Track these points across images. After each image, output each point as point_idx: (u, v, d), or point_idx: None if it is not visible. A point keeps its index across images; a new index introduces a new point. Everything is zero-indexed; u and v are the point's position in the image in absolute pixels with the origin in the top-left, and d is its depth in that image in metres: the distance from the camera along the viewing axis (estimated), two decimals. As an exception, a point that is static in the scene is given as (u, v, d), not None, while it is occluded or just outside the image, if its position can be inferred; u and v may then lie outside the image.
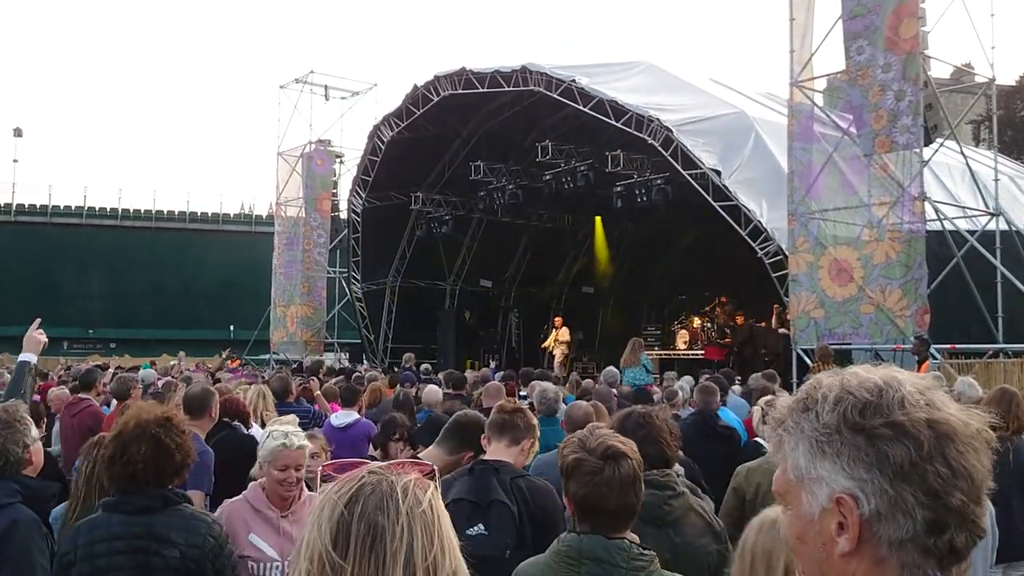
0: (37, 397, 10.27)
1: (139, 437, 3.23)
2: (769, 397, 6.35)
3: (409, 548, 1.24)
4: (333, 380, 13.17)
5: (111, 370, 14.98)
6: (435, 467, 1.43)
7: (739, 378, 13.49)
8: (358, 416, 7.72)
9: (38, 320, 4.62)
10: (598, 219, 26.32)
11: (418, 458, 4.26)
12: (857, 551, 1.18)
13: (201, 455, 5.09)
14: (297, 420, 5.64)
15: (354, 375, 14.05)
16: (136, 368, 16.25)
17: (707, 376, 10.73)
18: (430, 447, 4.09)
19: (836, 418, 1.20)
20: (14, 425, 3.56)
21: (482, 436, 3.89)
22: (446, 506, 1.35)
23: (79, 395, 8.55)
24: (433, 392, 8.63)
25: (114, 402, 8.30)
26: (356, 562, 1.23)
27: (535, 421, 4.00)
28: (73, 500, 3.81)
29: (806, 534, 1.24)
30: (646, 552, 2.61)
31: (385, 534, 1.24)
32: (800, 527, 1.25)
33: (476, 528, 3.43)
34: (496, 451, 3.78)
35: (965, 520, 1.16)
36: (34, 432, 3.67)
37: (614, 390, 9.73)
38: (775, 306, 18.15)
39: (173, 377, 12.36)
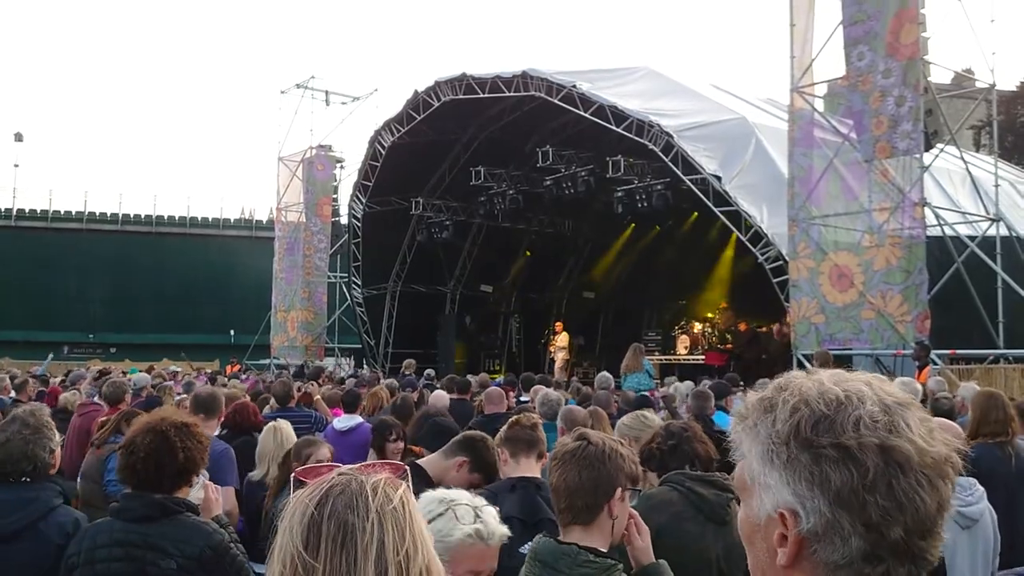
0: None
1: (148, 431, 3.25)
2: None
3: (380, 544, 1.24)
4: (332, 386, 13.21)
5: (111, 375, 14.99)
6: (406, 466, 1.44)
7: (742, 384, 13.49)
8: (360, 420, 7.72)
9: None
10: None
11: (416, 459, 4.27)
12: (795, 566, 1.15)
13: (223, 452, 5.13)
14: (292, 425, 5.65)
15: (356, 379, 14.06)
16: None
17: (707, 383, 10.74)
18: (434, 454, 4.10)
19: (789, 429, 1.15)
20: (41, 430, 3.68)
21: (500, 449, 3.90)
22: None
23: (93, 400, 8.57)
24: (440, 397, 8.63)
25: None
26: (327, 560, 1.23)
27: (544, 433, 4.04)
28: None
29: (754, 537, 1.21)
30: (596, 560, 2.59)
31: (355, 531, 1.24)
32: (749, 529, 1.22)
33: (527, 547, 3.47)
34: (527, 467, 3.80)
35: (905, 554, 1.11)
36: (57, 437, 3.79)
37: (612, 396, 9.74)
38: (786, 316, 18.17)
39: (172, 381, 12.36)
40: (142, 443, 3.21)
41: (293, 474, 1.44)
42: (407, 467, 1.44)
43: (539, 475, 3.79)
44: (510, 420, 4.03)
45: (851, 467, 1.10)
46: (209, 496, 3.51)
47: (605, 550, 2.65)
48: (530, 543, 3.48)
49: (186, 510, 3.24)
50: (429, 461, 3.91)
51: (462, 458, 3.83)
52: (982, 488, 4.20)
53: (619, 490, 2.70)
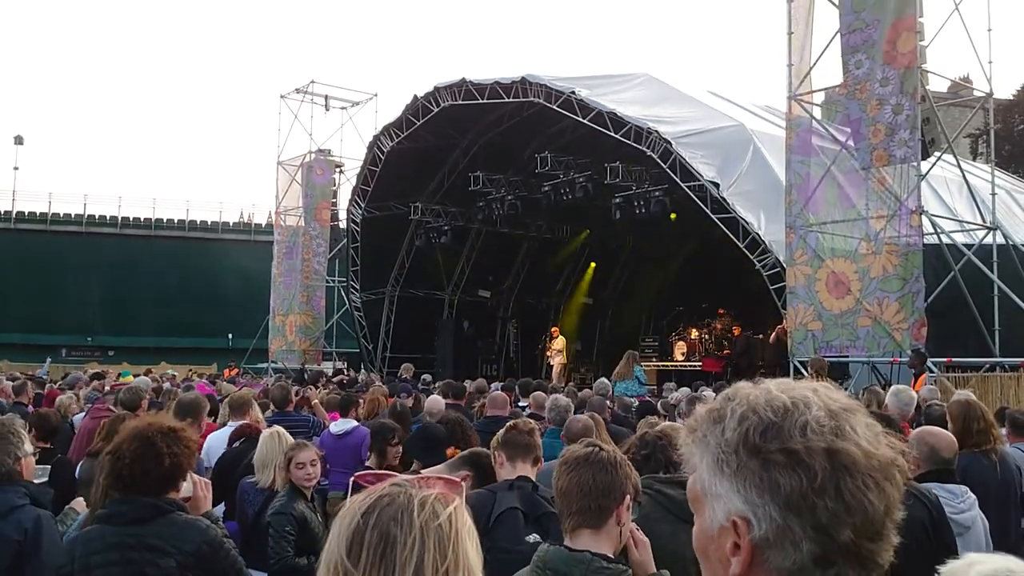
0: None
1: (133, 437, 3.25)
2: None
3: (420, 559, 1.25)
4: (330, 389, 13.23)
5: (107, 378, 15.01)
6: (463, 483, 1.43)
7: (706, 390, 13.51)
8: (356, 424, 7.74)
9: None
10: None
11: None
12: (748, 574, 1.14)
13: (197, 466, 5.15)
14: (290, 429, 5.69)
15: (355, 383, 14.07)
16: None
17: (704, 389, 10.77)
18: (439, 465, 4.12)
19: (737, 437, 1.15)
20: (7, 437, 3.68)
21: (497, 452, 3.94)
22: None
23: (96, 402, 8.60)
24: (436, 402, 8.64)
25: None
26: (366, 569, 1.25)
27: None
28: (92, 510, 3.74)
29: (707, 549, 1.20)
30: (609, 567, 2.62)
31: (396, 544, 1.26)
32: (703, 541, 1.21)
33: (532, 536, 3.52)
34: (523, 471, 3.86)
35: (856, 557, 1.11)
36: (27, 446, 3.76)
37: (608, 401, 9.76)
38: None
39: (174, 386, 12.38)
40: (128, 449, 3.21)
41: (352, 478, 1.45)
42: (463, 483, 1.43)
43: (534, 479, 3.84)
44: (507, 424, 4.06)
45: (799, 471, 1.10)
46: (198, 494, 3.53)
47: (613, 557, 2.68)
48: (534, 535, 3.51)
49: (177, 509, 3.26)
50: (434, 474, 3.93)
51: (466, 472, 3.87)
52: (973, 496, 4.24)
53: (627, 497, 2.75)
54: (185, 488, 3.40)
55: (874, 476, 1.12)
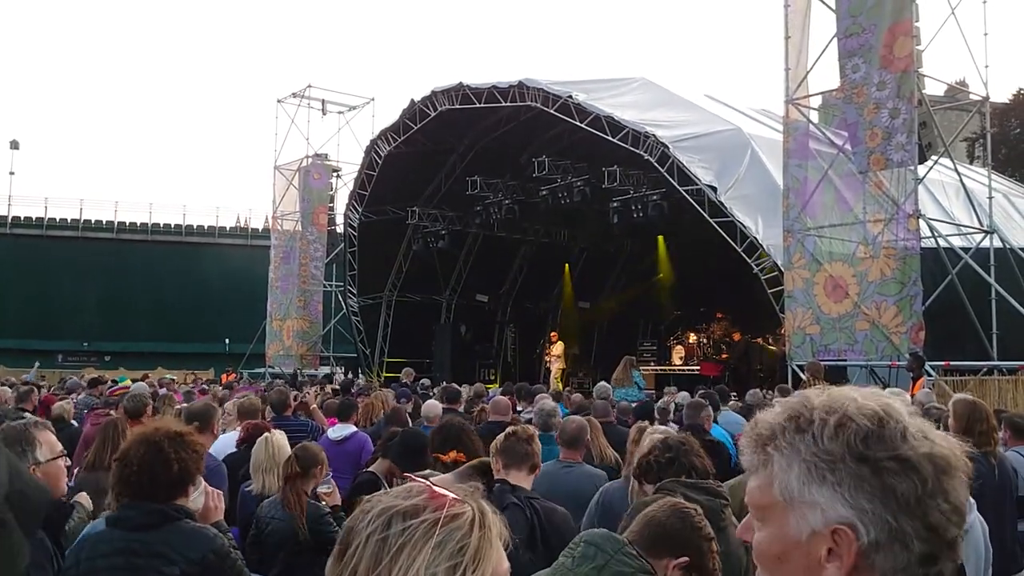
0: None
1: (141, 443, 3.23)
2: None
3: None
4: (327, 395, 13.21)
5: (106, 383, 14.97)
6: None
7: (734, 394, 13.51)
8: (355, 429, 7.72)
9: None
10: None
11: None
12: None
13: (215, 469, 5.13)
14: (288, 434, 5.66)
15: (353, 388, 14.05)
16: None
17: (700, 392, 10.76)
18: (448, 474, 4.10)
19: (840, 446, 1.18)
20: (14, 446, 3.44)
21: (495, 458, 3.95)
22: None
23: (108, 410, 8.55)
24: (432, 407, 8.62)
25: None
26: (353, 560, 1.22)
27: (540, 445, 4.09)
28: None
29: (790, 555, 1.21)
30: (640, 558, 2.68)
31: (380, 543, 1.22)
32: (783, 547, 1.22)
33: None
34: (518, 479, 3.90)
35: (955, 551, 1.18)
36: (41, 452, 3.52)
37: (609, 405, 9.73)
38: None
39: (170, 391, 12.35)
40: (135, 455, 3.19)
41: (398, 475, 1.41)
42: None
43: (529, 487, 3.83)
44: (506, 431, 4.05)
45: (913, 477, 1.16)
46: (209, 504, 3.51)
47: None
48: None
49: (185, 516, 3.23)
50: (523, 480, 3.95)
51: (479, 484, 3.84)
52: (973, 499, 4.23)
53: (685, 559, 2.78)
54: (196, 497, 3.38)
55: (962, 475, 1.19)
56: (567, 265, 27.49)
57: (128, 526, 3.15)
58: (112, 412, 8.39)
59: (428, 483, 1.30)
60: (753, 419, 1.31)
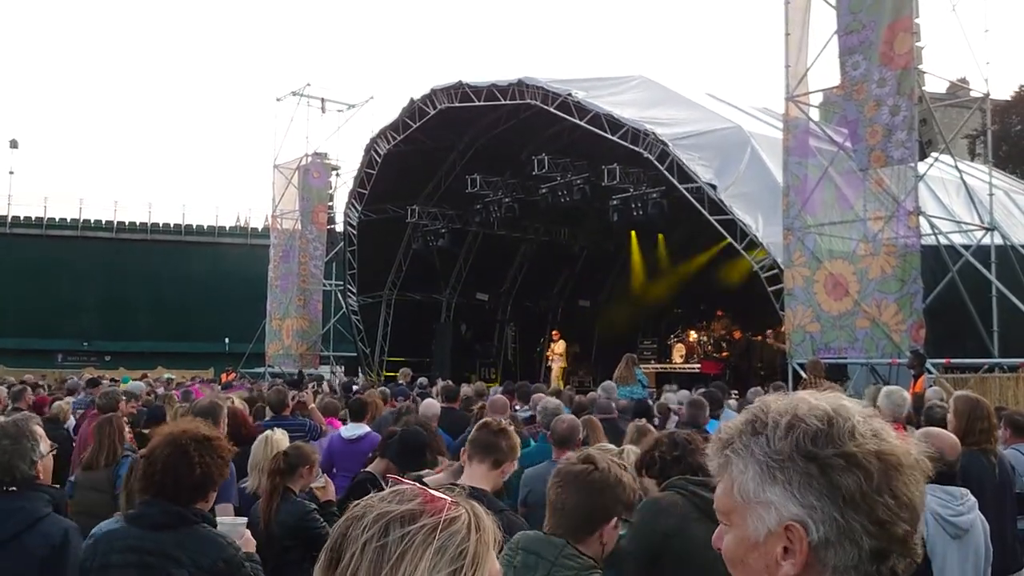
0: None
1: (167, 444, 3.23)
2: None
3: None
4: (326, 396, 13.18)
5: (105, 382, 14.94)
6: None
7: (735, 392, 13.49)
8: (368, 429, 7.67)
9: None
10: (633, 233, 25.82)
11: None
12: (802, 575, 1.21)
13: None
14: (288, 433, 5.63)
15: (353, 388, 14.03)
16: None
17: (700, 391, 10.73)
18: (441, 474, 4.05)
19: (789, 445, 1.21)
20: (21, 440, 3.51)
21: (464, 448, 3.89)
22: None
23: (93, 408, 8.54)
24: (431, 406, 8.59)
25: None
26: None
27: (517, 441, 3.94)
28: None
29: (749, 556, 1.25)
30: (581, 558, 2.68)
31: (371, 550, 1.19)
32: (744, 548, 1.26)
33: None
34: (477, 473, 3.74)
35: (906, 547, 1.20)
36: (43, 447, 3.59)
37: (613, 403, 9.70)
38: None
39: (168, 390, 12.33)
40: (161, 455, 3.20)
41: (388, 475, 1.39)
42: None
43: (489, 486, 3.70)
44: (480, 422, 4.01)
45: (858, 473, 1.19)
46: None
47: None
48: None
49: (203, 521, 3.22)
50: (477, 477, 3.75)
51: (511, 462, 3.83)
52: (974, 499, 4.21)
53: (615, 519, 2.77)
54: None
55: (915, 473, 1.22)
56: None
57: (145, 524, 3.15)
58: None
59: (421, 486, 1.27)
60: (719, 426, 1.36)
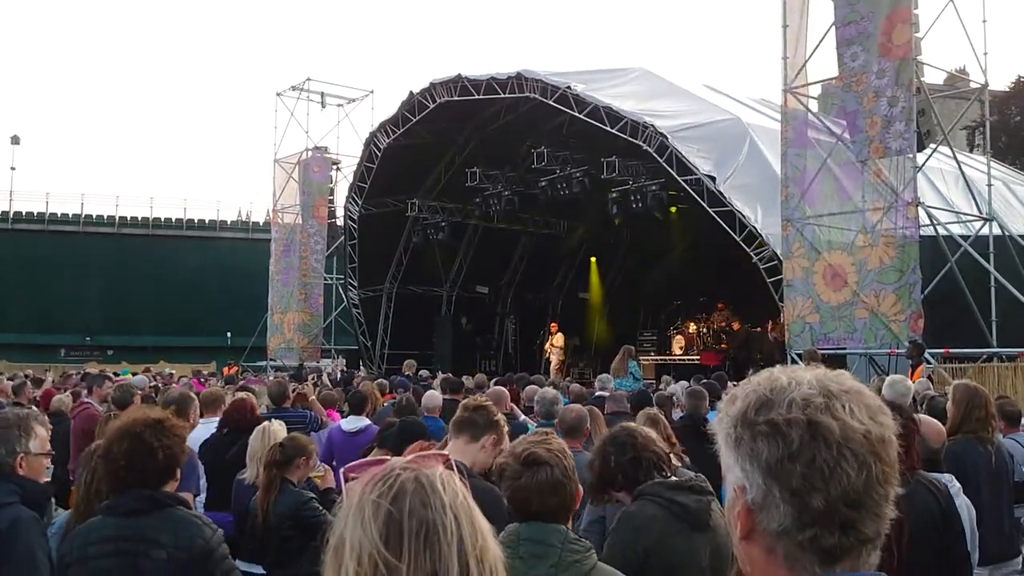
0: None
1: (122, 436, 3.23)
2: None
3: (460, 540, 1.25)
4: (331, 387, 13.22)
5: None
6: (451, 456, 1.44)
7: (733, 383, 13.52)
8: (368, 422, 7.70)
9: None
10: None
11: None
12: (752, 538, 1.25)
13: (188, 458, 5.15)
14: (286, 425, 5.68)
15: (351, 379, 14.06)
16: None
17: (700, 381, 10.77)
18: (458, 442, 4.05)
19: (738, 412, 1.26)
20: (9, 431, 3.50)
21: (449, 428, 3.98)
22: None
23: (82, 399, 8.59)
24: (433, 397, 8.62)
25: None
26: (412, 558, 1.23)
27: (499, 418, 3.96)
28: (75, 510, 3.68)
29: (729, 516, 1.31)
30: (583, 541, 2.73)
31: (438, 528, 1.25)
32: (727, 509, 1.32)
33: None
34: (456, 449, 3.78)
35: (831, 523, 1.20)
36: (33, 444, 3.53)
37: (605, 394, 9.74)
38: None
39: (166, 383, 12.38)
40: (119, 449, 3.19)
41: (342, 470, 1.41)
42: (451, 457, 1.43)
43: (468, 460, 3.71)
44: (461, 403, 4.10)
45: (778, 440, 1.21)
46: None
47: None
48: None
49: (176, 504, 3.25)
50: (458, 451, 3.76)
51: (492, 435, 3.85)
52: (958, 484, 4.27)
53: (580, 491, 2.82)
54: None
55: (853, 449, 1.20)
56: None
57: (119, 512, 3.18)
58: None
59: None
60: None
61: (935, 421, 4.65)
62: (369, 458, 1.42)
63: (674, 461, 3.80)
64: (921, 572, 3.41)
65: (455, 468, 1.38)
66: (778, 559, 1.23)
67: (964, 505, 4.17)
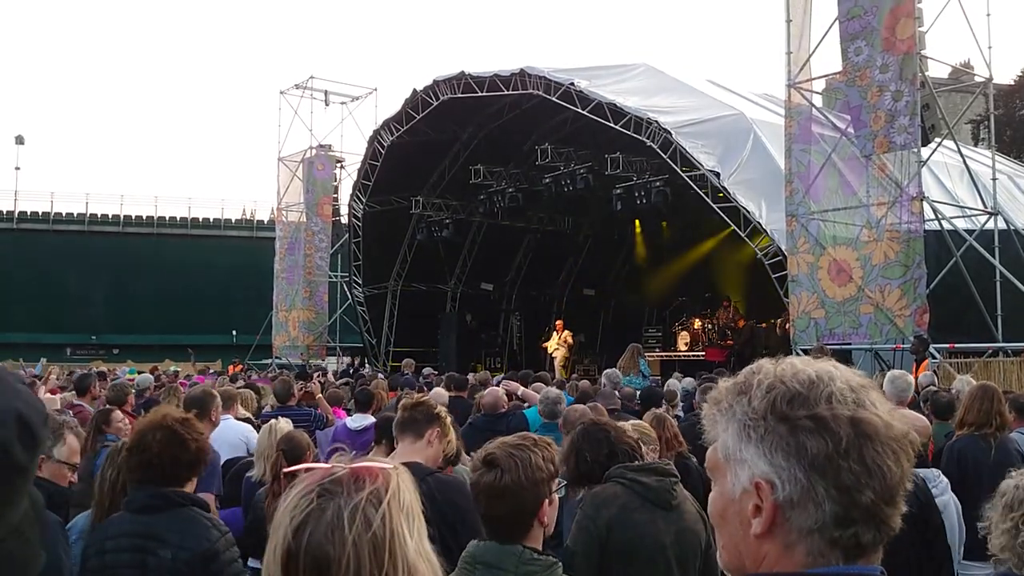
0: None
1: (155, 427, 3.29)
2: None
3: (356, 574, 1.26)
4: (339, 382, 13.24)
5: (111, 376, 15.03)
6: (397, 465, 1.42)
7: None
8: (374, 420, 7.71)
9: None
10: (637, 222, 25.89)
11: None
12: (769, 534, 1.23)
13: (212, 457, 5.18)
14: (292, 423, 5.69)
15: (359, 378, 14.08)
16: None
17: (703, 378, 10.77)
18: (403, 445, 4.09)
19: (765, 405, 1.23)
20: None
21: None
22: None
23: (74, 401, 8.60)
24: (439, 395, 8.64)
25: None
26: None
27: (439, 410, 3.97)
28: (98, 507, 3.70)
29: (727, 512, 1.28)
30: (540, 558, 2.61)
31: (331, 564, 1.25)
32: (723, 504, 1.29)
33: None
34: (403, 451, 3.78)
35: (873, 518, 1.20)
36: (60, 451, 3.63)
37: (616, 391, 9.75)
38: None
39: (171, 382, 12.41)
40: (153, 439, 3.25)
41: (282, 471, 1.45)
42: (396, 467, 1.42)
43: (421, 457, 3.73)
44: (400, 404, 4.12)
45: (826, 436, 1.19)
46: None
47: (540, 549, 2.67)
48: None
49: (191, 504, 3.28)
50: (407, 452, 3.77)
51: (435, 428, 3.85)
52: (946, 480, 4.29)
53: (544, 502, 2.66)
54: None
55: (891, 446, 1.21)
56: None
57: (134, 508, 3.24)
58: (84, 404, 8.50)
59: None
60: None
61: (919, 416, 4.67)
62: (305, 464, 1.42)
63: (647, 454, 3.92)
64: (902, 567, 3.45)
65: (399, 481, 1.35)
66: (797, 556, 1.21)
67: (951, 502, 4.19)
